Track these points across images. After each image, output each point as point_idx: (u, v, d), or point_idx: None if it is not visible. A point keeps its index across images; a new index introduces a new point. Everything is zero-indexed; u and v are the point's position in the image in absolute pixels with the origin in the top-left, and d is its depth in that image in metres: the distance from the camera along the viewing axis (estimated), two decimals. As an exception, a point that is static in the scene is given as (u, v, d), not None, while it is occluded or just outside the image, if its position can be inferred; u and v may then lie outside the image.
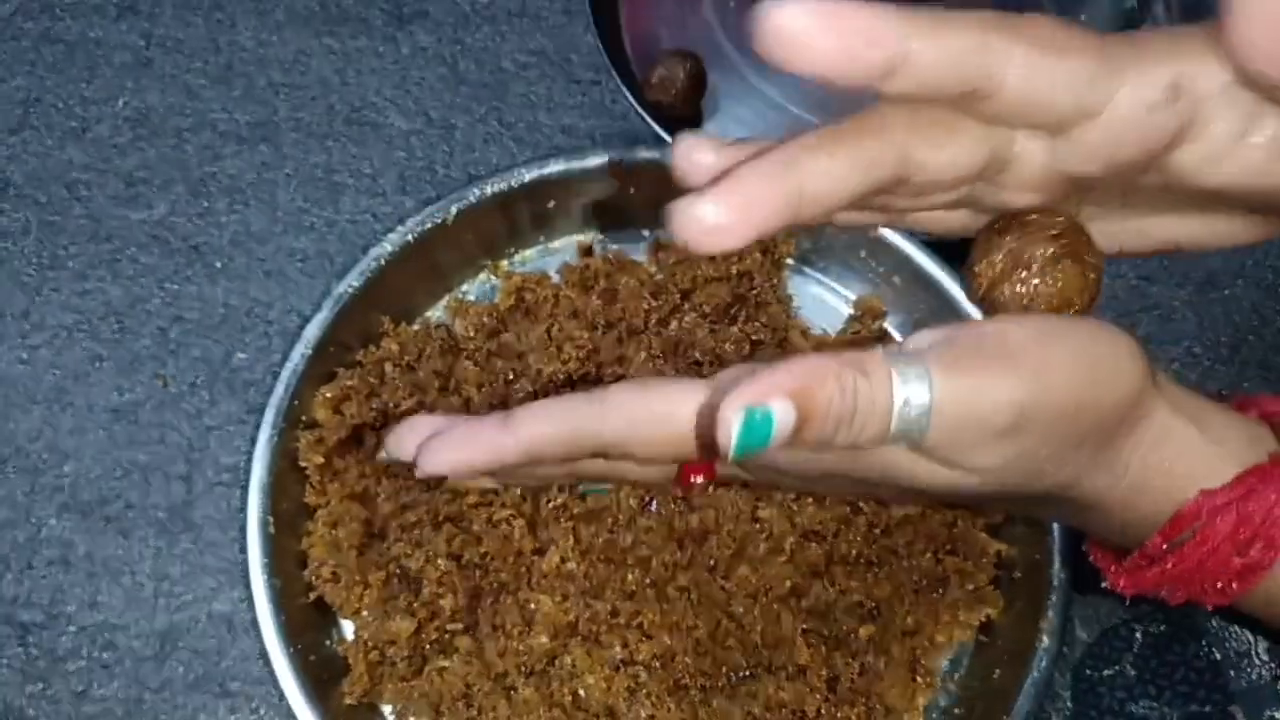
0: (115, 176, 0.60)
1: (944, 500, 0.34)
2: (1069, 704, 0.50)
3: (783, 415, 0.26)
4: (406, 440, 0.32)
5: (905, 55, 0.26)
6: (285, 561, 0.49)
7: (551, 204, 0.57)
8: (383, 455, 0.33)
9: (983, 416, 0.28)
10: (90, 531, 0.52)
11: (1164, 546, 0.32)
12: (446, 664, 0.48)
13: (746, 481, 0.36)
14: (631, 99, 0.61)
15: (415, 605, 0.48)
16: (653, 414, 0.30)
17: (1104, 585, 0.36)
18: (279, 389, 0.51)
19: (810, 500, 0.50)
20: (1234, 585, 0.32)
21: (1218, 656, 0.46)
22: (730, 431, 0.26)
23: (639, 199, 0.58)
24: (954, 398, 0.27)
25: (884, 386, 0.27)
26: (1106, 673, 0.49)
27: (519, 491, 0.50)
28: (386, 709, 0.49)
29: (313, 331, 0.52)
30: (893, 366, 0.27)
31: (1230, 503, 0.30)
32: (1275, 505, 0.30)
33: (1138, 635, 0.47)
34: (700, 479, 0.33)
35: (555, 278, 0.57)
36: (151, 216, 0.59)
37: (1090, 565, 0.37)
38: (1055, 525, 0.49)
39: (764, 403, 0.26)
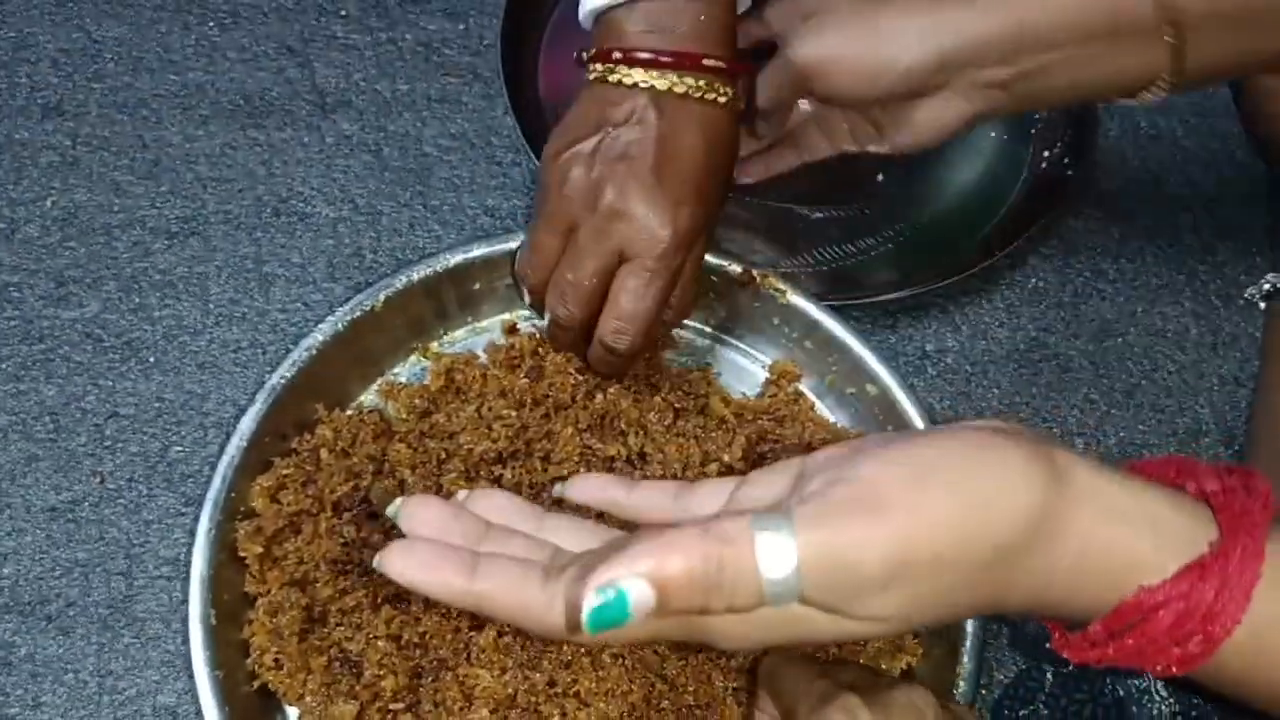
0: (46, 276, 0.62)
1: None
2: (990, 744, 0.52)
3: (639, 594, 0.27)
4: (412, 521, 0.34)
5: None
6: (228, 651, 0.50)
7: (477, 285, 0.60)
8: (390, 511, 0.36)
9: (855, 572, 0.28)
10: (31, 632, 0.53)
11: (1106, 634, 0.33)
12: (391, 744, 0.49)
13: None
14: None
15: (357, 688, 0.49)
16: (513, 606, 0.31)
17: (1047, 646, 0.37)
18: (215, 482, 0.52)
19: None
20: (1173, 669, 0.33)
21: (1121, 693, 0.48)
22: (582, 613, 0.27)
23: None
24: (820, 558, 0.28)
25: (747, 553, 0.28)
26: (1022, 713, 0.51)
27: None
28: (333, 792, 0.50)
29: (247, 424, 0.53)
30: (757, 530, 0.28)
31: (1169, 600, 0.31)
32: (1214, 601, 0.31)
33: (1049, 676, 0.49)
34: None
35: (483, 357, 0.59)
36: (84, 315, 0.61)
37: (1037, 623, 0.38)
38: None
39: (616, 584, 0.27)
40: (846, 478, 0.30)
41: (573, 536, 0.35)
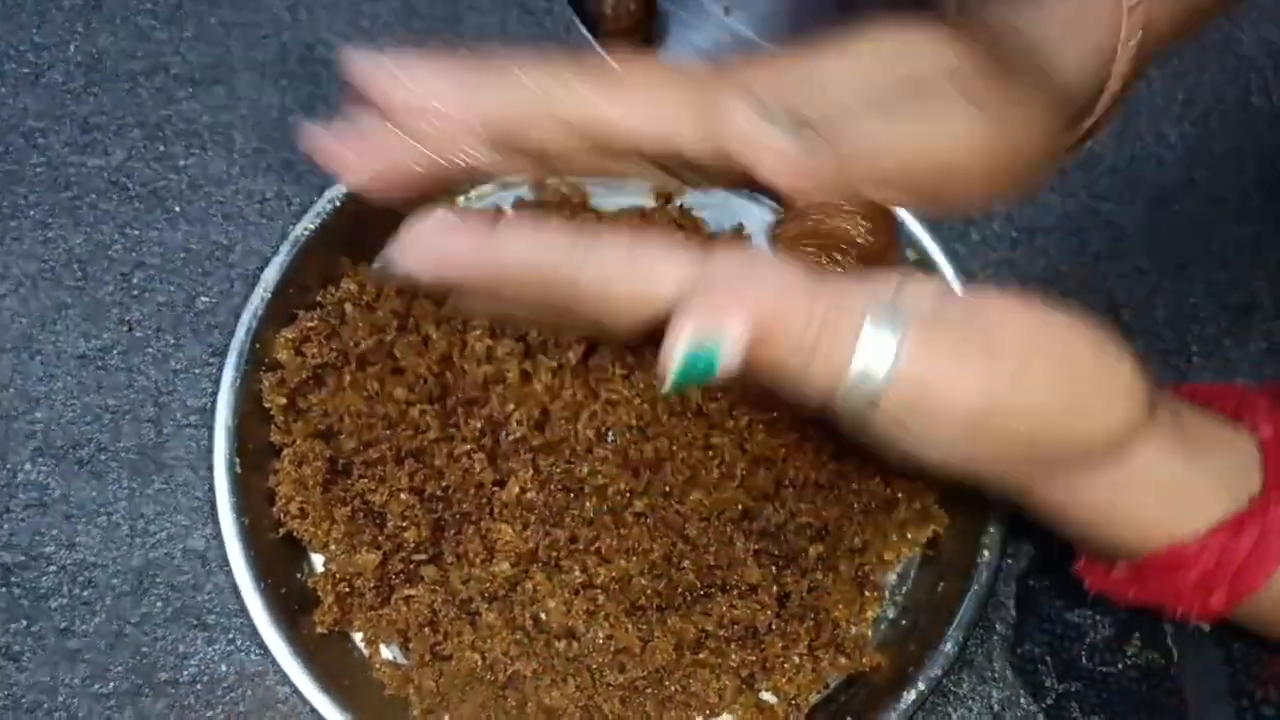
0: (71, 123, 0.61)
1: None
2: (1012, 612, 0.52)
3: (736, 338, 0.23)
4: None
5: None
6: (254, 499, 0.51)
7: (505, 139, 0.58)
8: (377, 267, 0.30)
9: (937, 410, 0.26)
10: (65, 475, 0.54)
11: (1131, 578, 0.31)
12: (412, 592, 0.49)
13: None
14: (584, 30, 0.61)
15: (380, 538, 0.50)
16: (632, 283, 0.26)
17: (1072, 569, 0.36)
18: (240, 332, 0.52)
19: (761, 427, 0.52)
20: (1193, 618, 0.31)
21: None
22: (669, 367, 0.23)
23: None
24: (915, 378, 0.25)
25: (848, 331, 0.25)
26: (1046, 582, 0.51)
27: (479, 426, 0.51)
28: (357, 636, 0.51)
29: (271, 275, 0.53)
30: (870, 318, 0.25)
31: (1199, 554, 0.29)
32: (1245, 559, 0.29)
33: (1076, 547, 0.49)
34: None
35: (511, 213, 0.58)
36: (109, 163, 0.60)
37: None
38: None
39: (719, 330, 0.23)
40: (971, 308, 0.26)
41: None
